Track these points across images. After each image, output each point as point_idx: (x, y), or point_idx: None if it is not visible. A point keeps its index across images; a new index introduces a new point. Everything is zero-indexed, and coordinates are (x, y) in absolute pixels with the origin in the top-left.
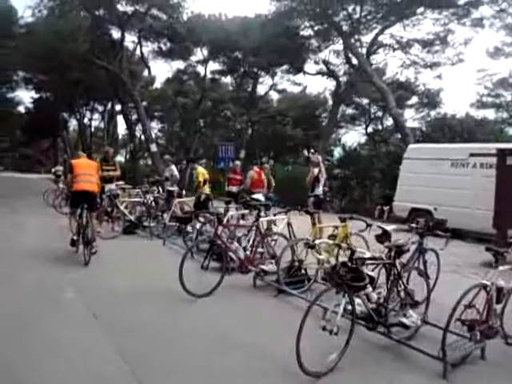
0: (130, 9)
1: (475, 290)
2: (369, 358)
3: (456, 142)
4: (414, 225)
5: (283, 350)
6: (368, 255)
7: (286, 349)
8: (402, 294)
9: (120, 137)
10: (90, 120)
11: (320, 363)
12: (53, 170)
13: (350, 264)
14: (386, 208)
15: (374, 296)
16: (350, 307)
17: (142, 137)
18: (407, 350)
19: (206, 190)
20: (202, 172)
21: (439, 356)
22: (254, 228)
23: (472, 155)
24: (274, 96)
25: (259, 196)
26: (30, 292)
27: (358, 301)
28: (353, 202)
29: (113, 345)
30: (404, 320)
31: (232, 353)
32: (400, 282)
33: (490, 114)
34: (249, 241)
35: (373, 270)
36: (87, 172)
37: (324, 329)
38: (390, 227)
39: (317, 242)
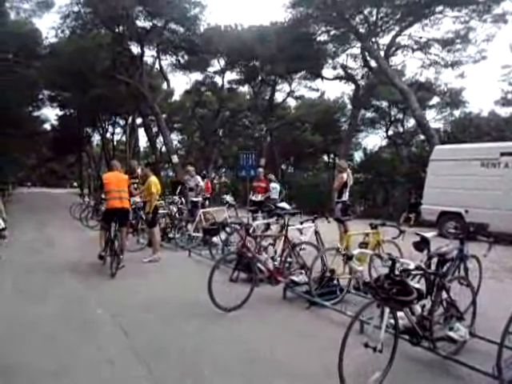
0: (148, 24)
1: None
2: (414, 375)
3: (484, 141)
4: (453, 230)
5: (323, 370)
6: (412, 266)
7: (326, 368)
8: (447, 305)
9: (141, 149)
10: (113, 134)
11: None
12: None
13: (393, 276)
14: (411, 214)
15: (418, 309)
16: (392, 321)
17: (163, 148)
18: (455, 366)
19: (153, 203)
20: (154, 182)
21: (494, 373)
22: (281, 237)
23: (503, 154)
24: (292, 103)
25: (284, 204)
26: (60, 305)
27: (400, 314)
28: (376, 206)
29: (139, 360)
30: (451, 333)
31: (273, 376)
32: (444, 292)
33: None
34: (276, 251)
35: (412, 279)
36: (118, 188)
37: (366, 345)
38: (429, 234)
39: (355, 252)
